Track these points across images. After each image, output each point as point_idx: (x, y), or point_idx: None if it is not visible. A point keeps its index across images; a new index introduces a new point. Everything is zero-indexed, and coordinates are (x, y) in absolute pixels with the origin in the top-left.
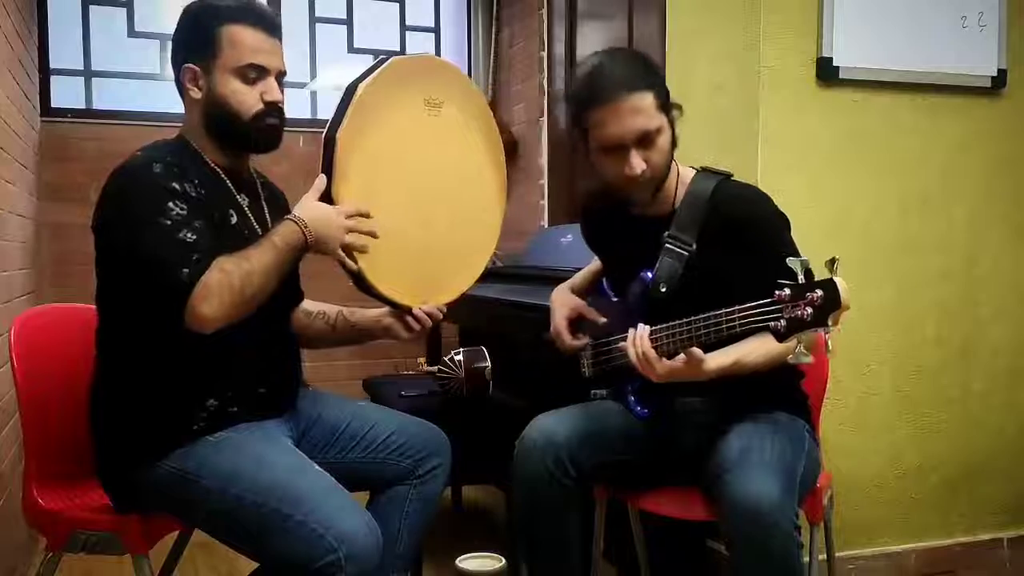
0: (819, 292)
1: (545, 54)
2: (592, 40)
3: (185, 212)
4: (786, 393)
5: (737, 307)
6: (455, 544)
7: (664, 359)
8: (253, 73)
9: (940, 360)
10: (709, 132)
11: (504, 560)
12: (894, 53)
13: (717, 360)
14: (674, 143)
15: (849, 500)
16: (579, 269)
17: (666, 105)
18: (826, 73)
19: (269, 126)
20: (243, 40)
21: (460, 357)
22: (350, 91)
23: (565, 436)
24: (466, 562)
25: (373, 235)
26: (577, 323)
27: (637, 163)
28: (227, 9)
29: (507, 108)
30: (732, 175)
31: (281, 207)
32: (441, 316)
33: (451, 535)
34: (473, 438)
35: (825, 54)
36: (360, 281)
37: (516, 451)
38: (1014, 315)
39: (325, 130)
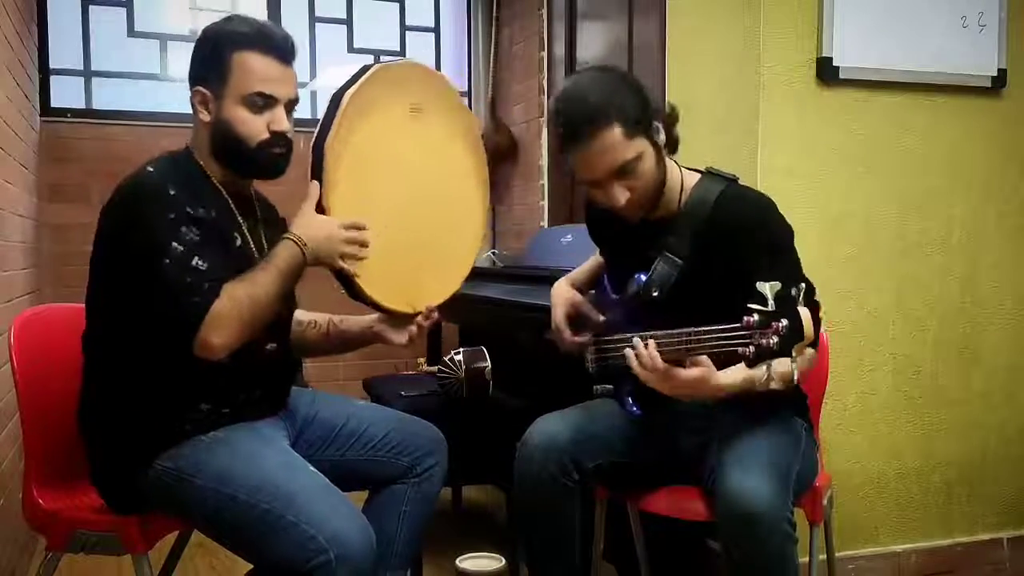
0: (784, 322)
1: (545, 54)
2: (592, 40)
3: (198, 238)
4: (785, 393)
5: (708, 328)
6: (455, 544)
7: (677, 368)
8: (261, 101)
9: (940, 360)
10: (709, 132)
11: (504, 560)
12: (894, 53)
13: (728, 377)
14: (661, 156)
15: (849, 500)
16: None
17: (640, 127)
18: (826, 73)
19: (274, 155)
20: (253, 68)
21: (460, 357)
22: (336, 99)
23: (567, 438)
24: (466, 562)
25: (365, 244)
26: (577, 319)
27: (618, 195)
28: (241, 35)
29: (507, 108)
30: (738, 179)
31: (277, 224)
32: (436, 319)
33: (451, 535)
34: (473, 438)
35: (825, 54)
36: (352, 289)
37: (518, 453)
38: (1014, 315)
39: (313, 138)
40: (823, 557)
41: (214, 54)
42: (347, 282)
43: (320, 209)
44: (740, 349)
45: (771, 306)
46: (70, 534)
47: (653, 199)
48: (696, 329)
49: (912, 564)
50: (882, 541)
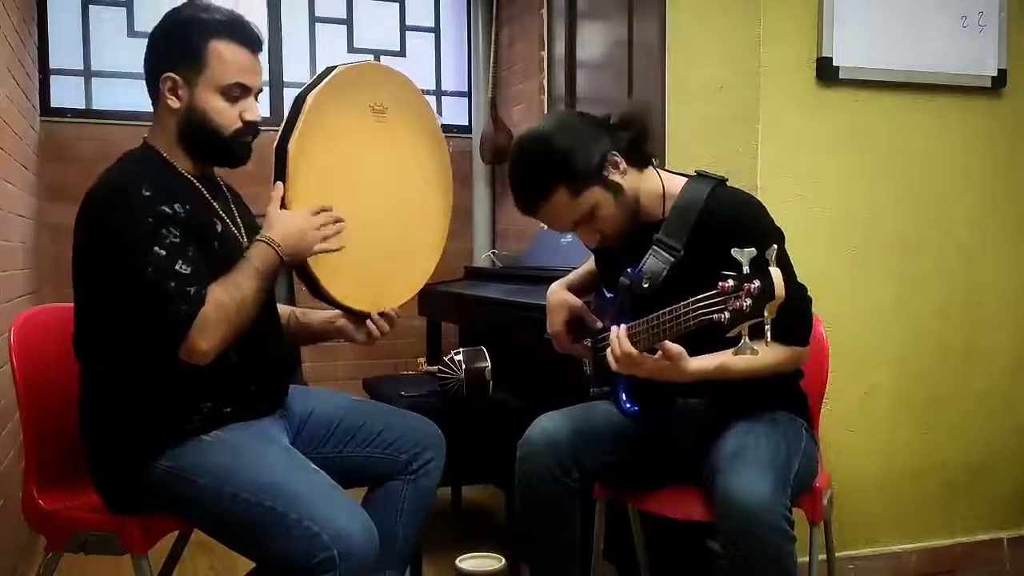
0: (756, 283)
1: (545, 54)
2: (592, 40)
3: (178, 239)
4: (785, 392)
5: (684, 302)
6: (455, 544)
7: (645, 355)
8: (237, 92)
9: (940, 360)
10: (709, 132)
11: (504, 560)
12: (894, 53)
13: (700, 363)
14: (622, 191)
15: (849, 500)
16: None
17: (589, 180)
18: (826, 73)
19: (244, 143)
20: (230, 58)
21: (460, 357)
22: (299, 101)
23: (567, 437)
24: (466, 562)
25: (339, 220)
26: (575, 324)
27: (586, 238)
28: (216, 23)
29: (507, 108)
30: (727, 180)
31: (244, 206)
32: (396, 320)
33: (451, 535)
34: (473, 438)
35: (825, 54)
36: (314, 286)
37: (518, 452)
38: (1014, 315)
39: (276, 140)
40: (823, 557)
41: (187, 41)
42: (309, 280)
43: (282, 207)
44: (715, 316)
45: (745, 271)
46: (70, 534)
47: (628, 223)
48: (673, 307)
49: (912, 564)
50: (882, 541)
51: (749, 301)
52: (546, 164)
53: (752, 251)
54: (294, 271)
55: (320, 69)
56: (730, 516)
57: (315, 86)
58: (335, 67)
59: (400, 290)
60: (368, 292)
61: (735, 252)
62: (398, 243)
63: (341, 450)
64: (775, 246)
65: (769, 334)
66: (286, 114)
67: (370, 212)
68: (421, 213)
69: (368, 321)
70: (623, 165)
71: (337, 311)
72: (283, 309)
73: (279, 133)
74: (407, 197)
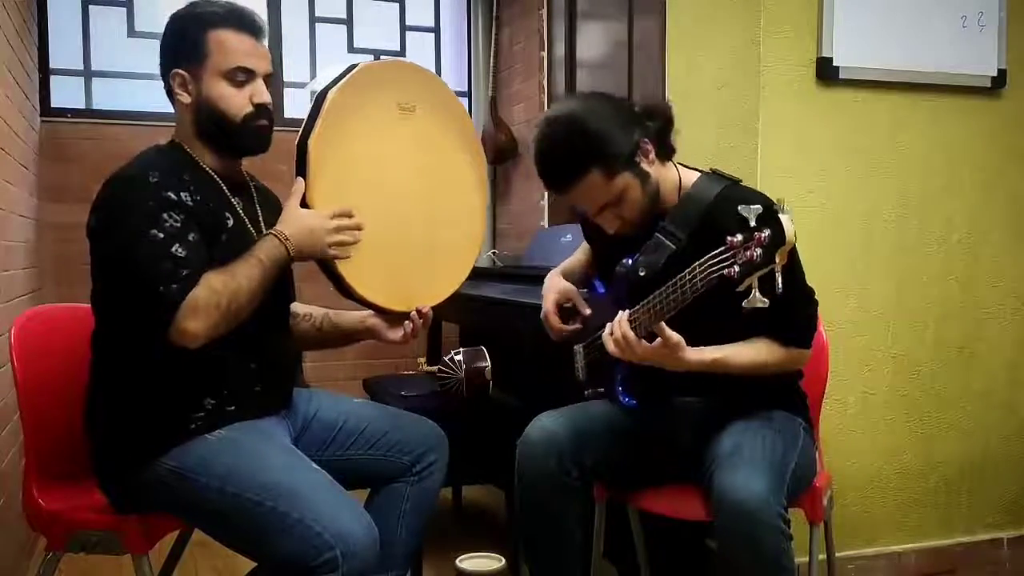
0: (766, 231)
1: (545, 54)
2: (592, 40)
3: (179, 224)
4: (784, 392)
5: (695, 263)
6: (455, 544)
7: (643, 341)
8: (241, 76)
9: (940, 360)
10: (709, 132)
11: (504, 560)
12: (894, 53)
13: (697, 353)
14: (648, 179)
15: (849, 500)
16: None
17: (622, 163)
18: (826, 73)
19: (259, 127)
20: (230, 44)
21: (460, 357)
22: (320, 98)
23: (567, 436)
24: (466, 562)
25: (359, 227)
26: (569, 310)
27: (607, 224)
28: (213, 15)
29: (507, 108)
30: (741, 181)
31: (274, 208)
32: (430, 318)
33: (451, 535)
34: (473, 438)
35: (825, 54)
36: (340, 285)
37: (518, 451)
38: (1014, 315)
39: (298, 136)
40: (823, 557)
41: (189, 35)
42: (335, 278)
43: (304, 206)
44: (725, 271)
45: (753, 223)
46: (70, 534)
47: (649, 211)
48: (678, 277)
49: (912, 564)
50: (882, 541)
51: (759, 251)
52: (582, 145)
53: (758, 208)
54: (321, 270)
55: (320, 69)
56: (726, 514)
57: (337, 82)
58: (358, 64)
59: (437, 288)
60: (398, 291)
61: (742, 209)
62: (429, 241)
63: (344, 453)
64: (783, 198)
65: (780, 283)
66: (308, 111)
67: (397, 210)
68: (453, 210)
69: (404, 321)
70: (652, 155)
71: (368, 311)
72: (316, 310)
73: (300, 129)
74: (437, 195)
